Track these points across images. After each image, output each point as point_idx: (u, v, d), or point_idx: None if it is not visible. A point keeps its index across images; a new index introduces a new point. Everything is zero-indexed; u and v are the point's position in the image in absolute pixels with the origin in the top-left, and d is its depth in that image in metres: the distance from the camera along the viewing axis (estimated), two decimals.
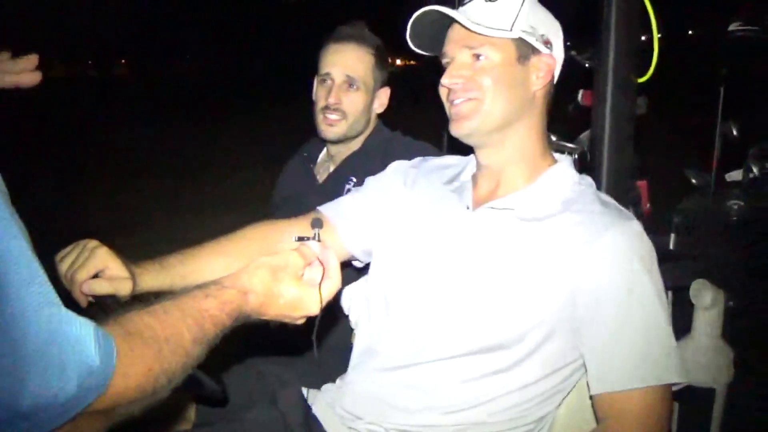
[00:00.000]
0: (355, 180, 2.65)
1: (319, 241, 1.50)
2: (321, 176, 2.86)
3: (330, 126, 2.69)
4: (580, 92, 2.70)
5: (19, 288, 0.90)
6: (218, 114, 21.84)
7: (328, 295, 1.43)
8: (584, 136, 2.90)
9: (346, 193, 2.61)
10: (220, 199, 9.82)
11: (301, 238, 1.50)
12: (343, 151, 2.79)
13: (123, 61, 74.29)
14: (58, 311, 0.94)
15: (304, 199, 2.71)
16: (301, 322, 1.45)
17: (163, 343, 1.11)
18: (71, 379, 0.92)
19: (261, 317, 1.38)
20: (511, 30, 1.76)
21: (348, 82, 2.67)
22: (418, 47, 1.93)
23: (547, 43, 1.82)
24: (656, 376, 1.65)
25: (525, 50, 1.79)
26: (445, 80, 1.82)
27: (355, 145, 2.78)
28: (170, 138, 16.61)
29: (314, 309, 1.42)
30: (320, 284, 1.42)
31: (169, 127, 18.62)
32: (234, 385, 2.20)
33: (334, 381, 2.06)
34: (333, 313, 1.75)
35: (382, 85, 2.79)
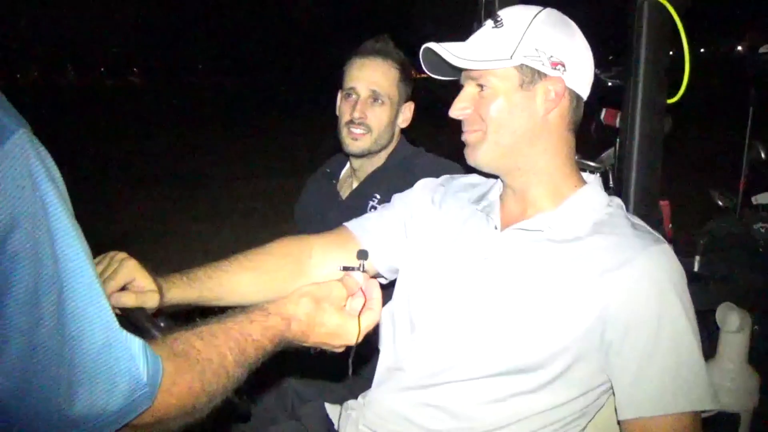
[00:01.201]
0: (378, 197, 2.64)
1: (363, 272, 1.53)
2: (344, 192, 2.85)
3: (354, 140, 2.68)
4: (603, 111, 2.70)
5: (80, 304, 0.95)
6: (232, 124, 21.93)
7: (367, 326, 1.46)
8: (606, 155, 2.89)
9: (370, 209, 2.60)
10: (236, 208, 9.87)
11: (346, 268, 1.53)
12: (367, 166, 2.78)
13: (136, 70, 74.81)
14: (113, 328, 0.99)
15: (327, 215, 2.71)
16: (340, 350, 1.48)
17: (206, 365, 1.16)
18: (120, 392, 0.97)
19: (302, 344, 1.42)
20: (510, 58, 1.73)
21: (373, 97, 2.67)
22: (439, 74, 1.92)
23: (557, 65, 1.76)
24: (687, 402, 1.62)
25: (530, 75, 1.75)
26: (451, 112, 1.83)
27: (379, 160, 2.77)
28: (185, 147, 16.69)
29: (354, 339, 1.46)
30: (360, 315, 1.45)
31: (183, 136, 18.70)
32: (254, 400, 2.20)
33: (356, 397, 2.05)
34: (371, 342, 1.79)
35: (407, 100, 2.79)
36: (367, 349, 1.61)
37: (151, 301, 1.71)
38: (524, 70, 1.75)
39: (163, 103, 32.42)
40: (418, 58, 1.87)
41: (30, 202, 0.91)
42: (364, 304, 1.48)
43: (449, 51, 1.75)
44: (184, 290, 1.81)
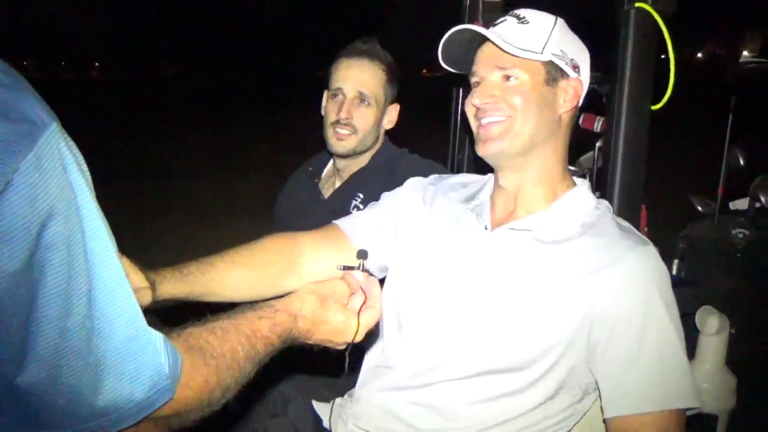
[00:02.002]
0: (361, 196, 2.64)
1: (364, 271, 1.56)
2: (326, 191, 2.84)
3: (340, 140, 2.67)
4: (581, 115, 2.72)
5: (108, 294, 0.97)
6: (197, 119, 21.67)
7: (367, 323, 1.49)
8: (584, 158, 2.93)
9: (353, 209, 2.60)
10: (210, 204, 9.81)
11: (347, 267, 1.56)
12: (351, 166, 2.77)
13: (97, 64, 73.79)
14: (139, 318, 1.01)
15: (309, 214, 2.70)
16: (341, 347, 1.51)
17: (220, 359, 1.18)
18: (144, 383, 0.99)
19: (306, 341, 1.45)
20: (542, 52, 1.78)
21: (359, 98, 2.67)
22: (452, 66, 1.95)
23: (576, 68, 1.84)
24: (671, 400, 1.66)
25: (554, 73, 1.81)
26: (475, 100, 1.83)
27: (363, 160, 2.77)
28: (150, 142, 16.47)
29: (356, 336, 1.49)
30: (359, 313, 1.49)
31: (147, 132, 18.44)
32: (236, 399, 2.18)
33: (341, 395, 2.05)
34: (372, 338, 1.82)
35: (392, 101, 2.79)
36: (369, 344, 1.64)
37: (144, 299, 1.69)
38: (551, 66, 1.80)
39: (125, 98, 31.94)
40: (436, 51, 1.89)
41: (64, 192, 0.92)
42: (364, 302, 1.51)
43: (496, 34, 1.78)
44: (176, 284, 1.78)
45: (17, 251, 0.87)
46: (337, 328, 1.46)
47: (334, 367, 2.35)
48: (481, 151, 1.85)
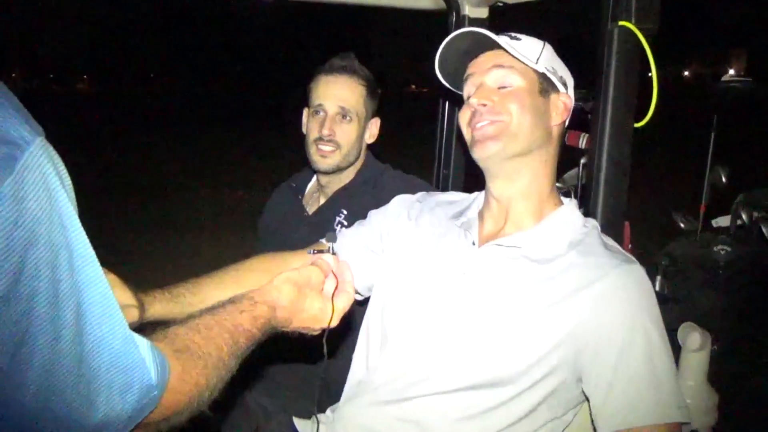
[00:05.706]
0: (345, 212, 2.64)
1: (334, 254, 1.58)
2: (310, 208, 2.84)
3: (323, 157, 2.67)
4: (567, 132, 2.74)
5: (98, 313, 0.96)
6: (184, 133, 21.67)
7: (343, 308, 1.53)
8: (569, 175, 2.94)
9: (337, 225, 2.60)
10: (194, 220, 9.83)
11: (317, 251, 1.59)
12: (335, 182, 2.77)
13: (85, 76, 73.62)
14: (127, 334, 1.00)
15: (294, 230, 2.70)
16: (317, 333, 1.55)
17: (207, 359, 1.19)
18: (134, 396, 0.99)
19: (284, 329, 1.48)
20: (536, 63, 1.82)
21: (341, 114, 2.67)
22: (446, 79, 1.98)
23: (564, 85, 1.89)
24: (666, 413, 1.65)
25: (546, 85, 1.85)
26: (473, 100, 1.84)
27: (347, 177, 2.77)
28: (138, 156, 16.46)
29: (332, 321, 1.53)
30: (333, 297, 1.52)
31: (136, 145, 18.42)
32: (219, 415, 2.18)
33: (323, 411, 2.04)
34: (349, 324, 1.83)
35: (373, 116, 2.80)
36: (343, 329, 1.65)
37: (130, 317, 1.69)
38: (543, 78, 1.84)
39: (113, 111, 31.91)
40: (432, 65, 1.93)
41: (47, 215, 0.89)
42: (337, 287, 1.54)
43: (502, 39, 1.81)
44: (166, 305, 1.80)
45: None
46: (314, 315, 1.50)
47: (312, 381, 2.36)
48: (478, 152, 1.85)
